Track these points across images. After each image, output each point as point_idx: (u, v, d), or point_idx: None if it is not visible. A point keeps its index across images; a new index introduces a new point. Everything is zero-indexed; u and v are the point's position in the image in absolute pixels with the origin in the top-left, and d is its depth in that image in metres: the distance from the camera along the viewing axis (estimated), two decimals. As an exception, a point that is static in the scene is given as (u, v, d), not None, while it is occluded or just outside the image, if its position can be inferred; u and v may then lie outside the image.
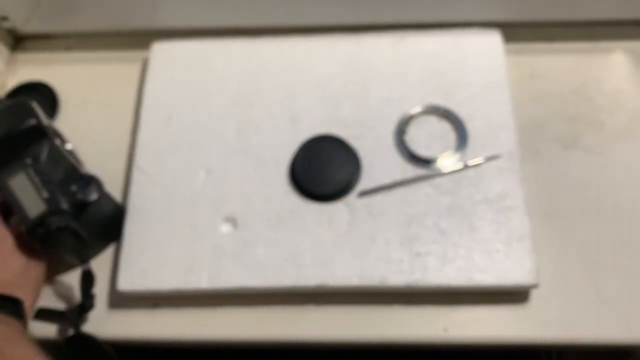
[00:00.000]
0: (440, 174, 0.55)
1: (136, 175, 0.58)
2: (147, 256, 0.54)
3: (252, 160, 0.58)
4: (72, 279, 0.55)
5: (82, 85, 0.66)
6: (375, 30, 0.63)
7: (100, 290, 0.54)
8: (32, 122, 0.51)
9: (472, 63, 0.60)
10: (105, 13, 0.65)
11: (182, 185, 0.57)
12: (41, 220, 0.49)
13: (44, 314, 0.53)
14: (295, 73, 0.62)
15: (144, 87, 0.62)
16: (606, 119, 0.60)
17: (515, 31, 0.63)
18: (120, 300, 0.54)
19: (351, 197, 0.55)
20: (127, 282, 0.53)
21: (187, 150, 0.59)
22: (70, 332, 0.52)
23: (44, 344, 0.45)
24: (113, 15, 0.65)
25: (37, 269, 0.52)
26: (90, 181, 0.52)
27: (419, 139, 0.57)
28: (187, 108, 0.61)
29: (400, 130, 0.58)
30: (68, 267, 0.56)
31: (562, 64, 0.63)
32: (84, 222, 0.51)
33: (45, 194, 0.50)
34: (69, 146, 0.57)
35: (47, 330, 0.54)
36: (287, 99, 0.60)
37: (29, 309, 0.50)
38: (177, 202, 0.56)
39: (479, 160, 0.56)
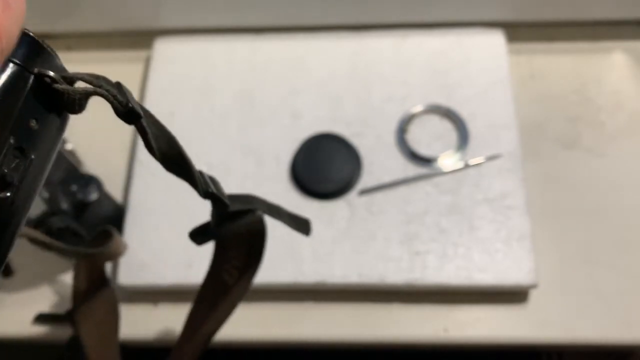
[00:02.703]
0: (441, 173, 0.55)
1: (138, 169, 0.58)
2: (148, 250, 0.54)
3: (254, 157, 0.58)
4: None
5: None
6: (378, 29, 0.63)
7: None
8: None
9: (474, 62, 0.60)
10: (106, 13, 0.65)
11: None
12: (41, 220, 0.49)
13: (44, 318, 0.53)
14: (297, 71, 0.62)
15: (147, 82, 0.62)
16: (606, 119, 0.59)
17: (516, 31, 0.63)
18: (121, 298, 0.54)
19: (352, 195, 0.55)
20: (127, 277, 0.53)
21: (189, 146, 0.57)
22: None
23: (44, 347, 0.45)
24: (113, 15, 0.65)
25: None
26: (90, 181, 0.52)
27: (420, 138, 0.57)
28: (189, 104, 0.61)
29: (402, 129, 0.58)
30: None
31: (562, 64, 0.63)
32: (84, 222, 0.51)
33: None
34: (69, 146, 0.57)
35: (47, 332, 0.54)
36: (289, 96, 0.60)
37: None
38: (178, 196, 0.56)
39: (479, 159, 0.56)
